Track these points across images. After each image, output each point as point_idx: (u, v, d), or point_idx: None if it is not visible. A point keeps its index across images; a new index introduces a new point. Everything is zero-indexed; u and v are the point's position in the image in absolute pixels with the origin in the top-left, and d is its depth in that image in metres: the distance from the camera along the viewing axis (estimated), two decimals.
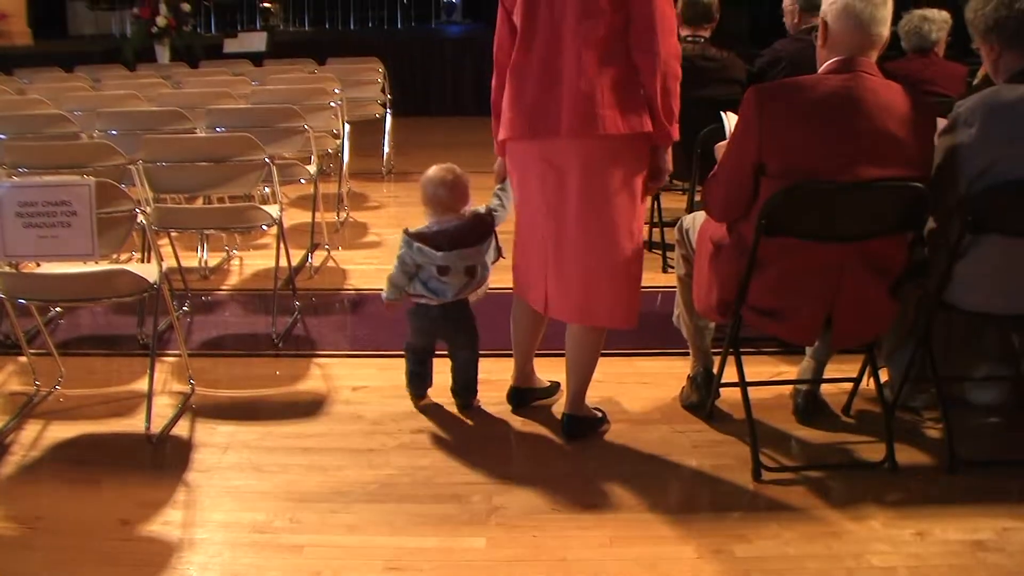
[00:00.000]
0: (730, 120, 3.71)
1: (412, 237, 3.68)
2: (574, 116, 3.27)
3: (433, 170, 3.75)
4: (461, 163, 3.86)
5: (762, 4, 11.55)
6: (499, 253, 3.87)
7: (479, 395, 3.96)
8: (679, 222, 3.89)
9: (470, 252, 3.71)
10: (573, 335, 3.59)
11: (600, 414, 3.76)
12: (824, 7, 3.20)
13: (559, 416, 3.75)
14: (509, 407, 3.89)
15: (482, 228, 3.75)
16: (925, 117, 3.13)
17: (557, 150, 3.35)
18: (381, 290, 3.90)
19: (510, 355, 3.91)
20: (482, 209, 3.78)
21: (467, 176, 3.78)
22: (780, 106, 3.08)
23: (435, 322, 3.82)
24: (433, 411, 3.90)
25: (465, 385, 3.93)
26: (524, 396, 3.89)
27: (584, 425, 3.69)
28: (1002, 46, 3.23)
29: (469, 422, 3.79)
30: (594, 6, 3.24)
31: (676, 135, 3.42)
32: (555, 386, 3.95)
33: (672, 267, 4.56)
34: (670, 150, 3.46)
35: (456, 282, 3.72)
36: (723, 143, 3.59)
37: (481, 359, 3.95)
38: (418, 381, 3.96)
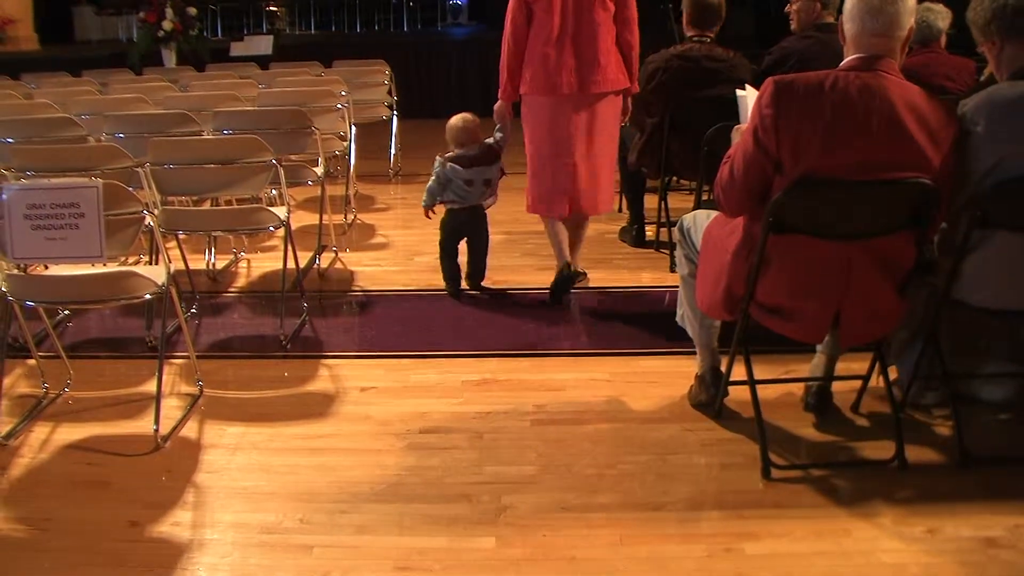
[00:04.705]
0: (748, 98, 3.69)
1: (446, 159, 5.13)
2: (572, 79, 4.85)
3: (453, 118, 5.27)
4: None
5: (767, 4, 11.53)
6: (502, 171, 5.27)
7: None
8: (679, 222, 3.89)
9: (486, 169, 5.15)
10: (577, 223, 5.22)
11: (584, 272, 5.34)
12: (844, 6, 3.20)
13: (563, 412, 3.80)
14: (516, 407, 3.90)
15: (492, 154, 5.19)
16: (943, 119, 3.09)
17: (561, 101, 4.90)
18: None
19: (519, 355, 4.43)
20: (491, 141, 5.21)
21: (478, 119, 5.26)
22: (797, 101, 3.04)
23: (463, 222, 5.27)
24: (442, 411, 3.90)
25: (478, 269, 5.37)
26: (568, 281, 5.13)
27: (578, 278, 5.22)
28: (1002, 38, 3.22)
29: (478, 423, 3.79)
30: (600, 4, 4.82)
31: (637, 88, 5.17)
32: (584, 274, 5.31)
33: None
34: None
35: (477, 191, 5.16)
36: (740, 126, 3.58)
37: (488, 359, 4.40)
38: (453, 282, 5.32)
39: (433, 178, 5.17)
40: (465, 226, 5.31)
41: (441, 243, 5.34)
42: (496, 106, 5.16)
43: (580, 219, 5.26)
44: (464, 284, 5.36)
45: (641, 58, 5.30)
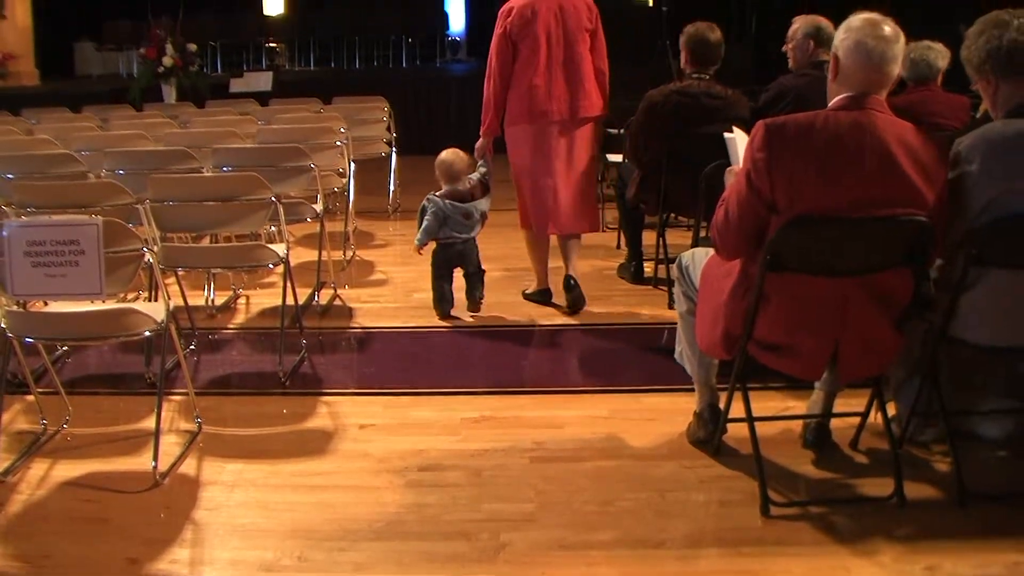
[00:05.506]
0: (737, 140, 3.71)
1: (441, 196, 5.32)
2: (563, 106, 5.37)
3: (444, 153, 5.49)
4: None
5: (766, 41, 11.61)
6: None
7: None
8: (678, 259, 3.90)
9: (481, 201, 5.41)
10: (568, 236, 5.57)
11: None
12: (836, 41, 3.21)
13: (559, 450, 3.81)
14: (515, 444, 3.89)
15: (483, 187, 5.47)
16: (936, 155, 3.12)
17: (546, 128, 5.40)
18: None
19: (518, 392, 4.46)
20: (476, 176, 5.47)
21: (467, 155, 5.52)
22: (789, 143, 3.07)
23: (456, 254, 5.40)
24: (440, 448, 3.89)
25: (474, 294, 5.47)
26: (548, 293, 5.67)
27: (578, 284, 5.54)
28: (997, 78, 3.25)
29: (477, 460, 3.78)
30: (580, 37, 5.38)
31: (606, 112, 5.62)
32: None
33: None
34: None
35: (473, 223, 5.36)
36: (733, 167, 3.59)
37: (486, 396, 4.40)
38: (445, 303, 5.46)
39: (430, 216, 5.29)
40: (458, 257, 5.43)
41: (435, 276, 5.46)
42: (478, 144, 5.54)
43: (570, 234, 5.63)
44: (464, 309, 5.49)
45: (640, 91, 5.40)
